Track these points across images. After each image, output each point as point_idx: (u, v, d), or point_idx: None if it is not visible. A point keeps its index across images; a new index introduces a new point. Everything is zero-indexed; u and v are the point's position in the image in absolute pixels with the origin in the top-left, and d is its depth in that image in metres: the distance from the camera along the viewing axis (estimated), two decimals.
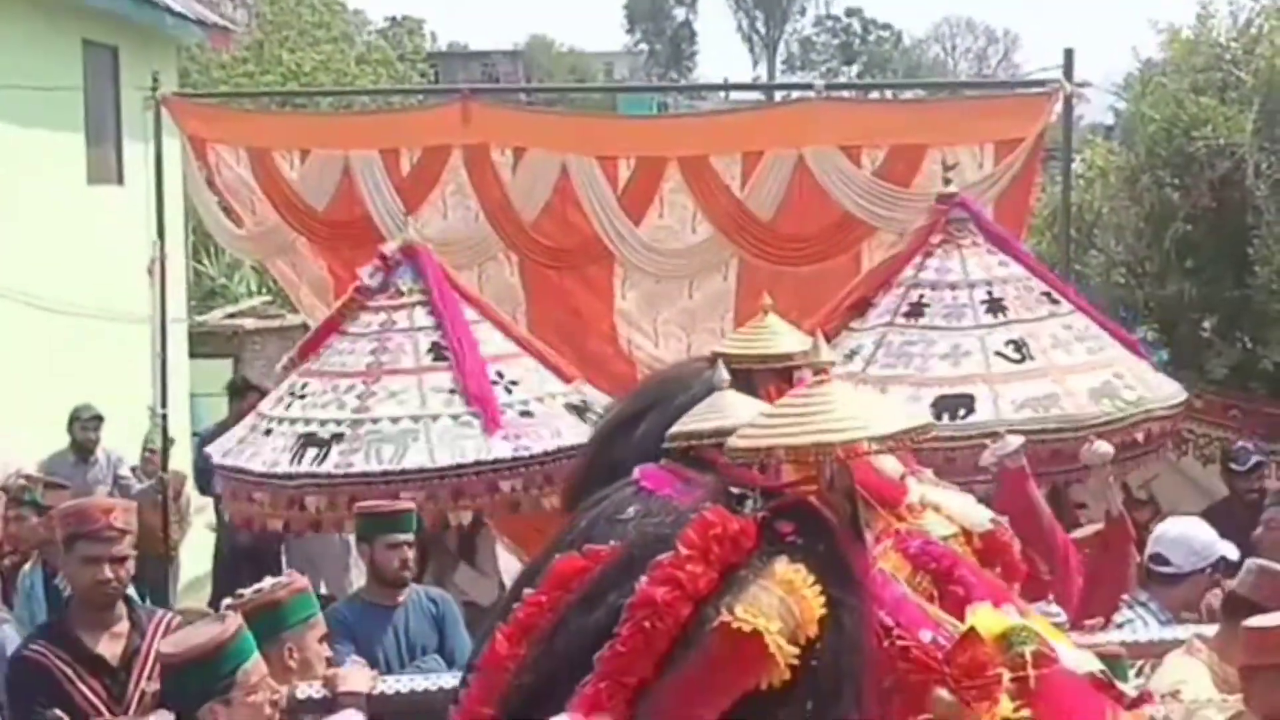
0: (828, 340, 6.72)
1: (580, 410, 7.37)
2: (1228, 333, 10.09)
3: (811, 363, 2.44)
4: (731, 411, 2.75)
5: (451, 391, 7.19)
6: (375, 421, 7.06)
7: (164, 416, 10.34)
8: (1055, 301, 7.41)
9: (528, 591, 2.38)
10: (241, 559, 10.25)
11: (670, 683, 2.12)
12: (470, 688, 2.33)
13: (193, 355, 14.88)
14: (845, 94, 13.19)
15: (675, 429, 2.77)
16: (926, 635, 2.28)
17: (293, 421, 7.18)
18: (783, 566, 2.16)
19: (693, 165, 9.31)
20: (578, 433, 6.92)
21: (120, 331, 12.20)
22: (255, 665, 4.02)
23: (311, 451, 6.98)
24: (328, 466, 6.95)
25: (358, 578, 7.43)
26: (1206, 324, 10.24)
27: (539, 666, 2.24)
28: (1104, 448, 6.32)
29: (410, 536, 6.29)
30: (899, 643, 2.24)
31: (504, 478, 7.03)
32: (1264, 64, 9.80)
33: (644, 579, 2.15)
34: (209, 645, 3.97)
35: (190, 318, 15.81)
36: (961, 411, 6.78)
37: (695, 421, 2.77)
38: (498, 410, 7.16)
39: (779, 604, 2.12)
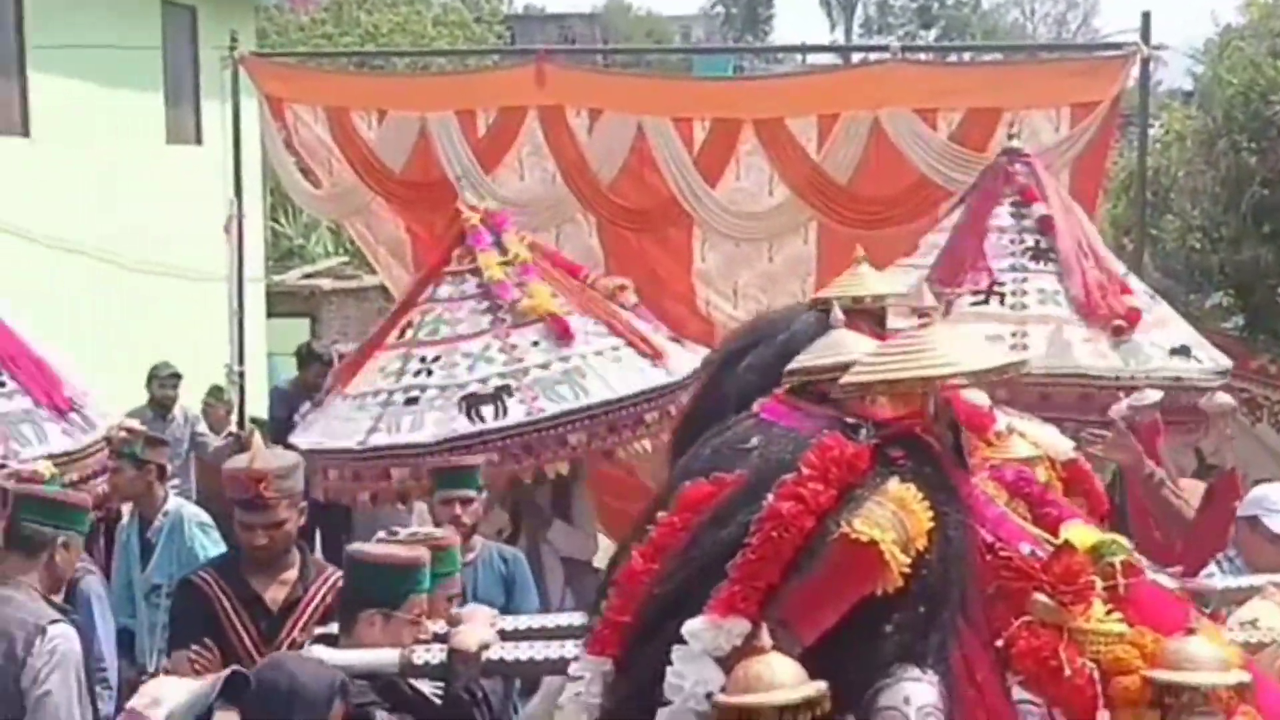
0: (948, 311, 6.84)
1: None
2: None
3: (902, 304, 2.78)
4: (847, 349, 2.87)
5: (586, 333, 7.40)
6: (543, 366, 7.20)
7: (241, 374, 10.46)
8: (1084, 255, 7.59)
9: (660, 515, 2.59)
10: (310, 516, 10.38)
11: (796, 588, 2.34)
12: (609, 600, 2.54)
13: (270, 315, 15.05)
14: (921, 56, 13.06)
15: (794, 364, 2.90)
16: (1025, 548, 2.52)
17: (442, 388, 7.23)
18: (895, 485, 2.40)
19: (768, 128, 9.28)
20: None
21: (198, 290, 12.34)
22: (422, 600, 4.18)
23: (486, 409, 7.06)
24: (516, 416, 7.04)
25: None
26: None
27: (675, 577, 2.46)
28: (1224, 399, 6.34)
29: (467, 493, 6.35)
30: (1001, 554, 2.49)
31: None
32: None
33: (770, 496, 2.38)
34: (403, 560, 4.19)
35: (267, 277, 15.97)
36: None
37: (813, 358, 2.89)
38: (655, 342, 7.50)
39: (892, 518, 2.35)
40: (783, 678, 2.27)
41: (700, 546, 2.46)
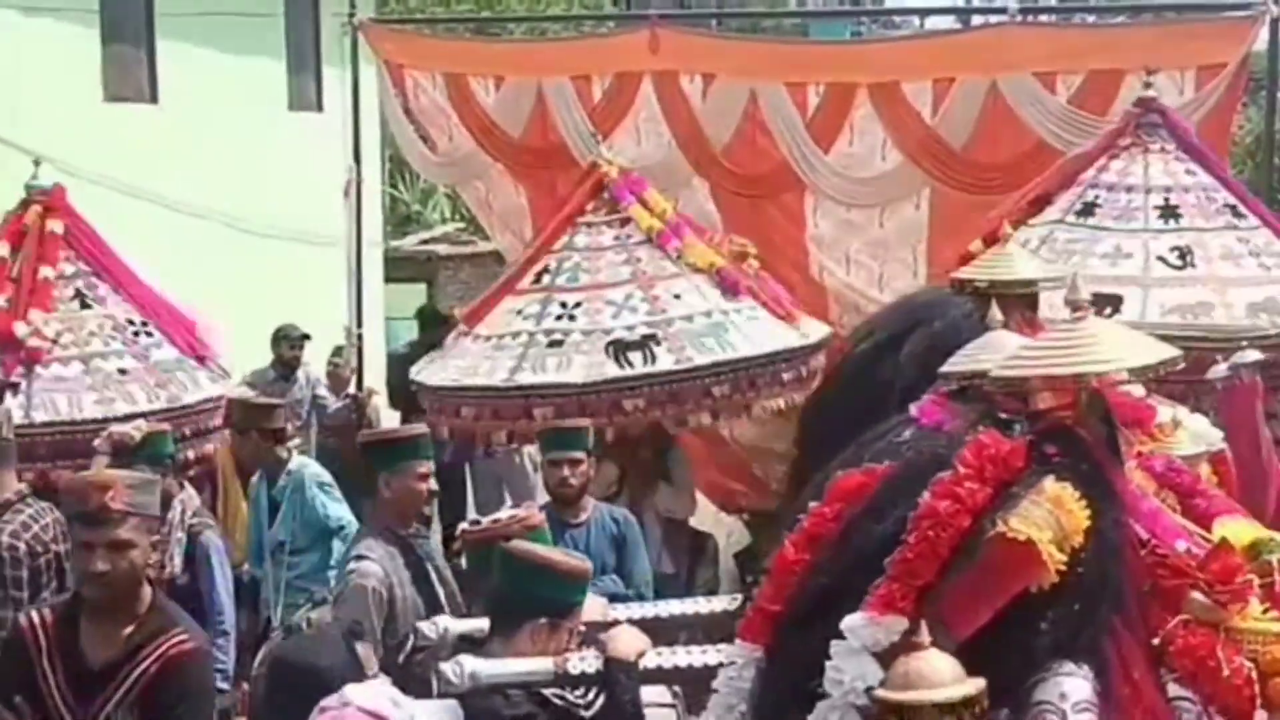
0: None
1: None
2: None
3: (1051, 287, 2.65)
4: (1006, 351, 2.85)
5: (721, 291, 7.53)
6: (686, 319, 7.35)
7: (360, 337, 10.62)
8: (1239, 215, 7.36)
9: (812, 505, 2.62)
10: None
11: (952, 585, 2.37)
12: (762, 588, 2.60)
13: (387, 280, 15.22)
14: (1042, 18, 12.85)
15: (951, 366, 2.92)
16: (1181, 545, 2.53)
17: (586, 333, 7.34)
18: (1050, 483, 2.42)
19: (883, 92, 9.18)
20: None
21: (318, 254, 12.52)
22: (579, 613, 3.95)
23: (635, 354, 7.16)
24: (665, 364, 7.15)
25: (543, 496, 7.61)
26: None
27: (830, 569, 2.50)
28: (1251, 354, 6.18)
29: (577, 454, 6.40)
30: (1157, 552, 2.51)
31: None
32: None
33: (927, 494, 2.41)
34: (577, 569, 3.97)
35: (385, 242, 16.15)
36: (1107, 310, 6.66)
37: (972, 360, 2.88)
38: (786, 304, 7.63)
39: (1048, 516, 2.37)
40: (942, 675, 2.30)
41: (855, 540, 2.50)
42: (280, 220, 12.85)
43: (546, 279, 7.69)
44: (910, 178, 9.18)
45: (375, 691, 3.56)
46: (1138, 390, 2.98)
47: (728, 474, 9.20)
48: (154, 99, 12.40)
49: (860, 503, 2.55)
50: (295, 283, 12.66)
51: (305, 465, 7.63)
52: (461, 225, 18.95)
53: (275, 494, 7.42)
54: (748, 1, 33.91)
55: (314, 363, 10.99)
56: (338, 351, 10.99)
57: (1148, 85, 7.62)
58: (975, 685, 2.30)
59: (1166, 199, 7.28)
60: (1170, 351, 2.63)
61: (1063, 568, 2.35)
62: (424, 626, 4.07)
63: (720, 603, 3.87)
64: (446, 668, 3.62)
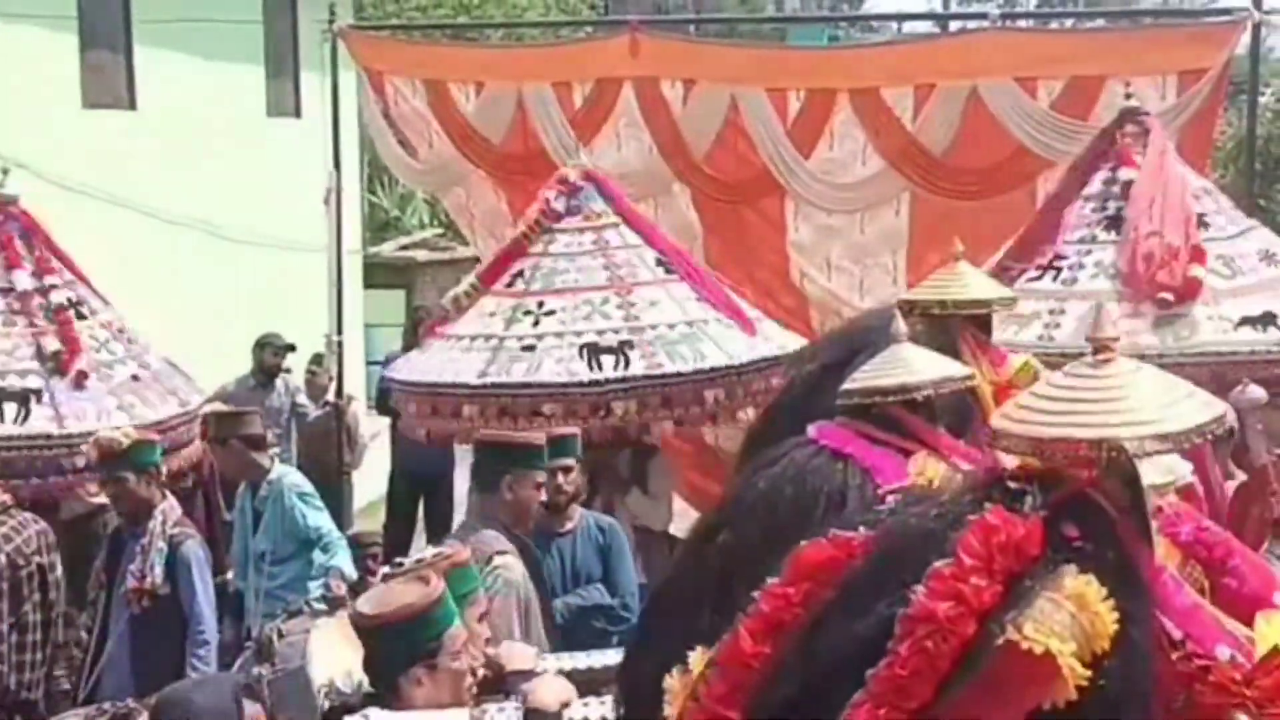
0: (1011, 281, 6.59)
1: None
2: None
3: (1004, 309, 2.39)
4: (913, 366, 2.68)
5: (699, 300, 7.46)
6: (654, 327, 7.26)
7: (340, 344, 10.57)
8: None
9: (772, 580, 2.17)
10: (414, 483, 10.51)
11: (951, 704, 1.94)
12: (710, 685, 2.14)
13: (367, 286, 15.18)
14: (1022, 23, 12.86)
15: (853, 385, 2.68)
16: (1224, 653, 2.10)
17: (558, 335, 7.27)
18: (1072, 579, 1.97)
19: (863, 97, 9.19)
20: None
21: (297, 261, 12.48)
22: (459, 629, 3.81)
23: (607, 359, 7.11)
24: (637, 370, 7.10)
25: None
26: None
27: (796, 675, 2.05)
28: (1256, 392, 6.15)
29: (569, 461, 6.38)
30: (1195, 661, 2.07)
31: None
32: None
33: (921, 591, 1.96)
34: (418, 605, 3.74)
35: (364, 249, 16.11)
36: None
37: (875, 377, 2.68)
38: (746, 314, 7.52)
39: (1070, 621, 1.94)
40: None
41: (828, 640, 2.04)
42: (259, 227, 12.80)
43: (520, 283, 7.62)
44: (891, 183, 9.18)
45: None
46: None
47: (710, 478, 9.18)
48: (132, 105, 12.32)
49: (830, 586, 2.08)
50: (274, 289, 12.62)
51: (285, 474, 7.59)
52: (440, 231, 18.92)
53: (258, 504, 7.39)
54: (725, 7, 33.97)
55: (296, 371, 10.94)
56: (316, 359, 10.94)
57: (1128, 96, 7.59)
58: None
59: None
60: (1219, 408, 2.17)
61: (1083, 682, 1.92)
62: (338, 679, 3.95)
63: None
64: None
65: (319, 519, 7.45)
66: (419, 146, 10.33)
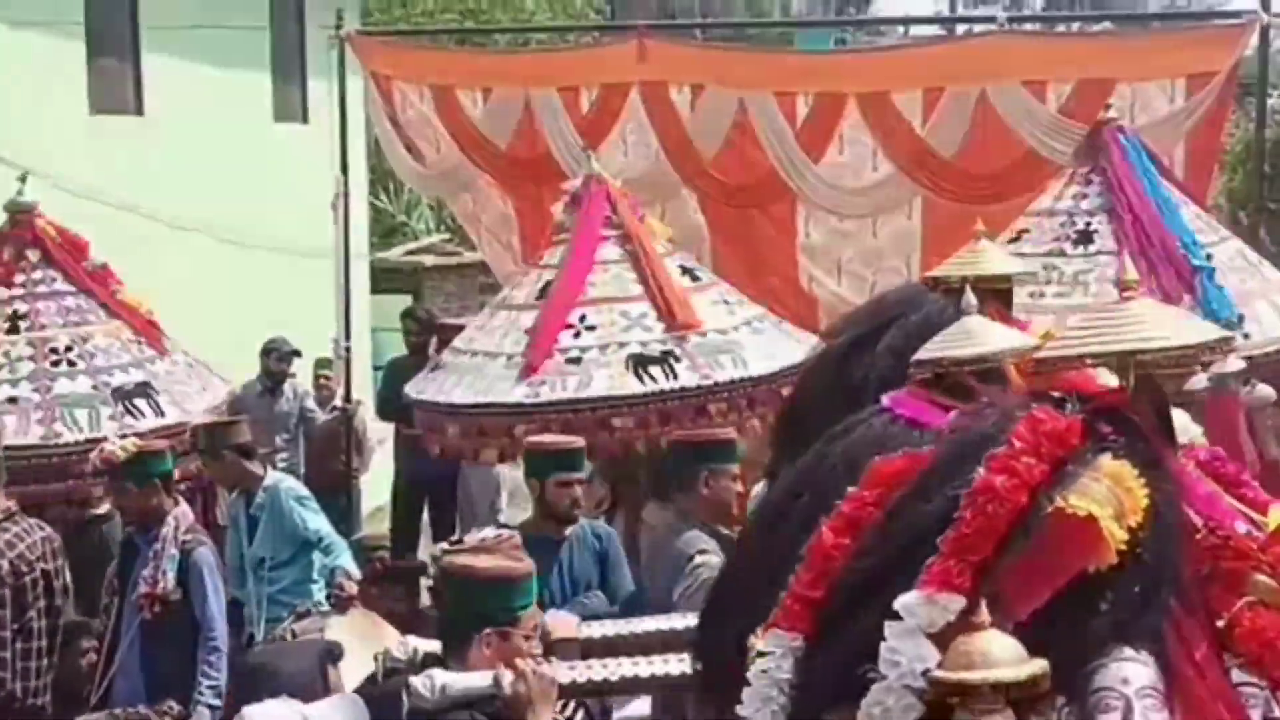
0: None
1: None
2: None
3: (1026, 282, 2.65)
4: (984, 337, 2.78)
5: (727, 303, 7.45)
6: (701, 335, 7.22)
7: (347, 349, 10.57)
8: (1214, 226, 7.52)
9: (851, 490, 2.47)
10: (420, 489, 10.50)
11: (1009, 564, 2.24)
12: (799, 575, 2.42)
13: (373, 291, 15.17)
14: (1029, 27, 12.85)
15: (926, 354, 2.80)
16: (1241, 528, 2.46)
17: (603, 348, 7.21)
18: (1108, 460, 2.31)
19: (872, 102, 9.18)
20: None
21: (304, 266, 12.47)
22: (534, 613, 3.91)
23: (656, 369, 7.08)
24: (689, 380, 7.06)
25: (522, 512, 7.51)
26: None
27: (877, 552, 2.35)
28: (1266, 391, 6.16)
29: (582, 474, 6.40)
30: (1217, 533, 2.43)
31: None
32: None
33: (981, 470, 2.28)
34: (518, 573, 3.85)
35: (371, 254, 16.11)
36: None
37: (949, 347, 2.79)
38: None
39: (1108, 493, 2.26)
40: (1003, 655, 2.19)
41: (903, 520, 2.36)
42: (266, 232, 12.78)
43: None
44: (901, 188, 9.18)
45: (274, 709, 3.59)
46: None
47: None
48: (140, 111, 12.33)
49: (903, 486, 2.40)
50: (281, 294, 12.59)
51: (281, 480, 7.60)
52: (447, 236, 18.90)
53: (254, 511, 7.38)
54: (731, 11, 33.96)
55: (300, 375, 10.94)
56: (324, 364, 10.94)
57: (1107, 106, 7.67)
58: (1039, 665, 2.18)
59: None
60: (1221, 331, 2.60)
61: (1122, 547, 2.26)
62: (393, 648, 4.00)
63: (695, 619, 3.80)
64: (417, 681, 3.63)
65: (318, 521, 7.45)
66: (426, 152, 10.33)
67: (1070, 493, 2.26)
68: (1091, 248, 7.24)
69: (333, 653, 3.98)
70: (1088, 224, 7.33)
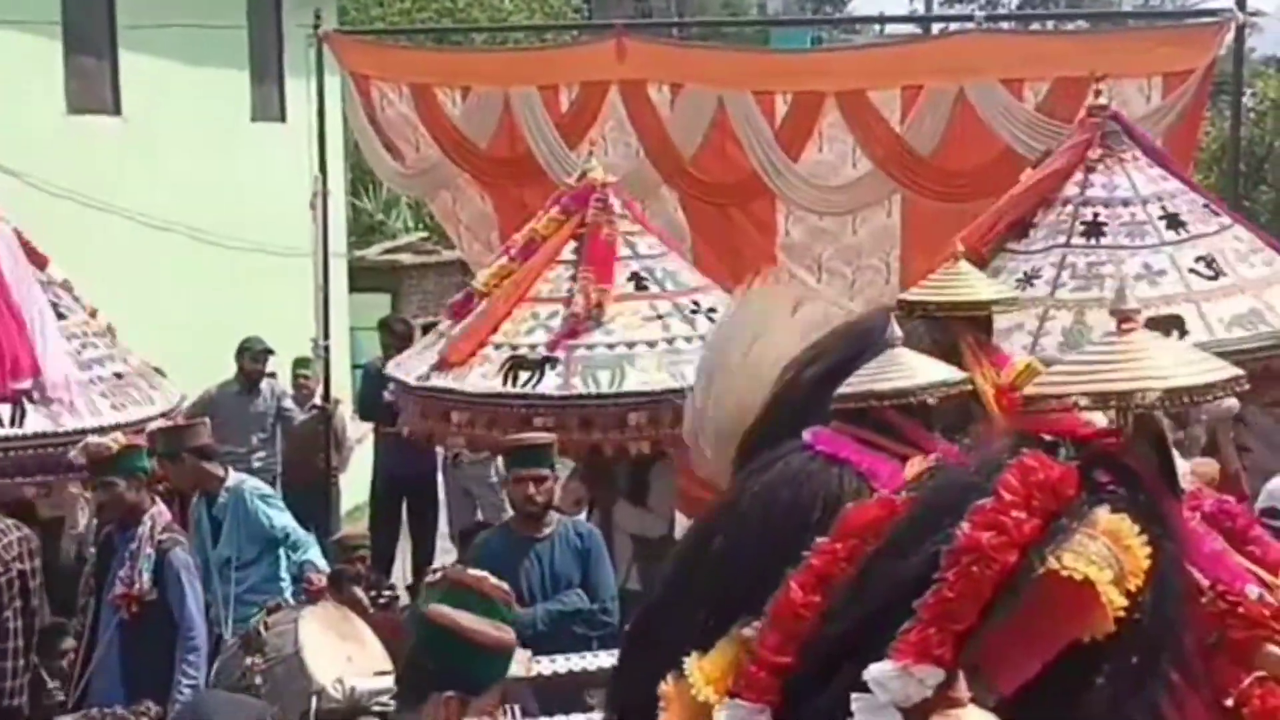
0: (983, 264, 6.49)
1: None
2: None
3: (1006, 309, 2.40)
4: (909, 370, 2.64)
5: (658, 318, 7.37)
6: (590, 348, 7.20)
7: (326, 348, 10.55)
8: (1217, 214, 7.30)
9: (822, 541, 2.25)
10: (398, 488, 10.49)
11: (995, 630, 2.03)
12: (764, 636, 2.21)
13: (352, 290, 15.15)
14: (1005, 26, 12.88)
15: (848, 389, 2.65)
16: (1252, 591, 2.22)
17: (497, 346, 7.28)
18: (1106, 515, 2.06)
19: (851, 100, 9.21)
20: None
21: (282, 265, 12.46)
22: (500, 690, 3.80)
23: (525, 374, 7.09)
24: (548, 388, 7.06)
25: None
26: None
27: (849, 614, 2.14)
28: (1230, 402, 6.13)
29: (542, 471, 6.39)
30: (1225, 598, 2.20)
31: None
32: None
33: (965, 524, 2.05)
34: (500, 641, 3.73)
35: (349, 253, 16.08)
36: (1174, 334, 6.49)
37: (872, 380, 2.64)
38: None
39: (1106, 552, 2.03)
40: None
41: (877, 579, 2.13)
42: (244, 231, 12.76)
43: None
44: (880, 185, 9.20)
45: None
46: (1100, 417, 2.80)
47: (701, 484, 9.15)
48: (117, 110, 12.29)
49: (878, 538, 2.18)
50: (260, 294, 12.58)
51: (243, 480, 7.57)
52: (425, 235, 18.88)
53: (216, 513, 7.34)
54: (708, 10, 34.00)
55: (281, 375, 10.92)
56: (303, 363, 10.92)
57: (1098, 93, 7.55)
58: None
59: (1164, 208, 7.11)
60: (1233, 370, 2.31)
61: (1120, 614, 2.01)
62: (329, 687, 3.91)
63: None
64: None
65: (283, 519, 7.43)
66: (405, 151, 10.32)
67: (1064, 552, 2.03)
68: (1104, 239, 7.03)
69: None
70: (1095, 214, 7.13)
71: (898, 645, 2.01)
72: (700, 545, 2.58)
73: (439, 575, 4.11)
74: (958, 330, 2.80)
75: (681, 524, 8.88)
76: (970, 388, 2.84)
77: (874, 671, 2.01)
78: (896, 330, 2.73)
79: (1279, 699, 2.15)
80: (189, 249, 12.32)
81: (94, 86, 12.17)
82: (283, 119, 14.07)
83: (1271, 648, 2.17)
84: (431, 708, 3.60)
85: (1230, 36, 8.81)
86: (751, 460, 2.95)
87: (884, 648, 2.03)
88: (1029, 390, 2.29)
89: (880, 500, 2.25)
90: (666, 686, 2.30)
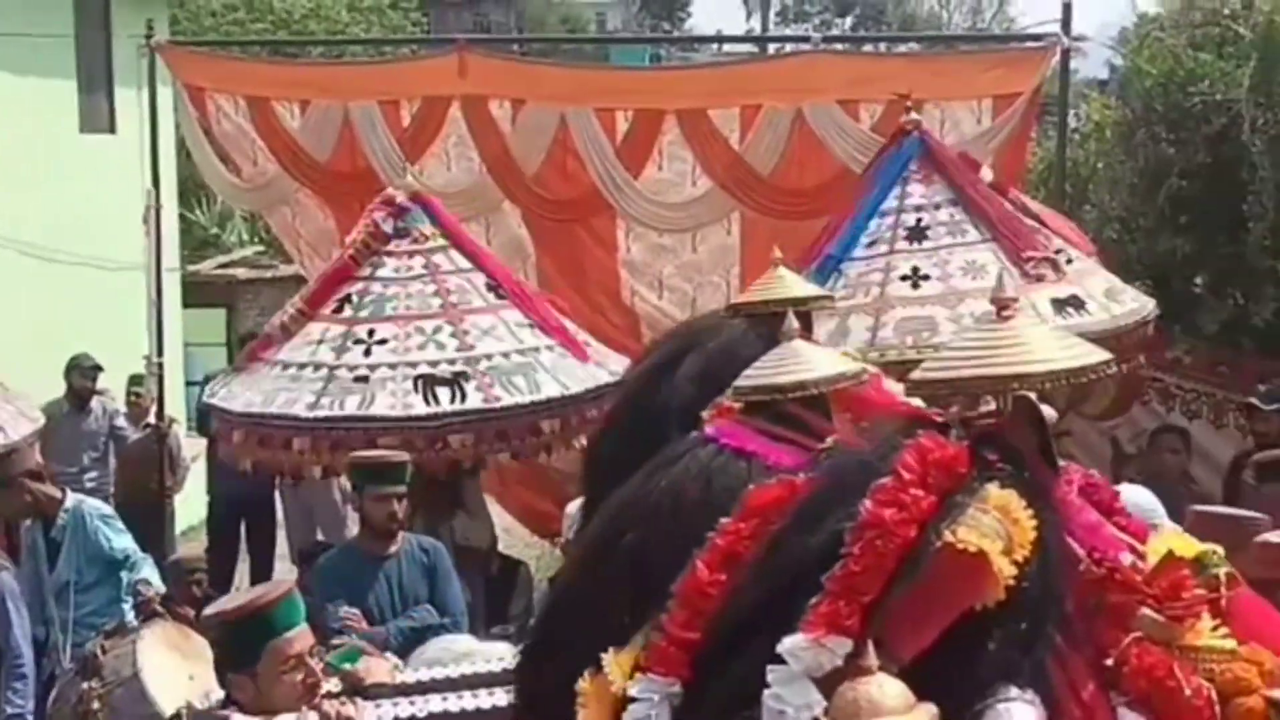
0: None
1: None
2: (1219, 289, 10.09)
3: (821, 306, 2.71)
4: (809, 363, 2.71)
5: (531, 325, 7.36)
6: (489, 357, 7.14)
7: (159, 365, 10.34)
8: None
9: (722, 539, 2.34)
10: (235, 507, 10.31)
11: (895, 602, 2.15)
12: (673, 614, 2.31)
13: (186, 305, 14.88)
14: (838, 46, 13.12)
15: (746, 381, 2.71)
16: (1126, 559, 2.37)
17: (392, 366, 7.12)
18: (995, 491, 2.21)
19: (691, 118, 9.31)
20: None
21: (114, 280, 12.19)
22: (290, 640, 3.79)
23: (443, 391, 6.98)
24: (473, 402, 6.97)
25: (355, 526, 7.48)
26: (1199, 280, 10.26)
27: (756, 589, 2.24)
28: (1049, 412, 6.33)
29: (401, 489, 6.37)
30: (1103, 565, 2.33)
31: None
32: (1262, 19, 9.79)
33: (868, 502, 2.17)
34: (235, 611, 3.78)
35: (183, 267, 15.79)
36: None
37: (772, 373, 2.70)
38: (578, 340, 7.43)
39: (997, 526, 2.17)
40: (892, 700, 2.09)
41: (784, 556, 2.24)
42: (73, 245, 12.47)
43: (349, 309, 7.43)
44: (720, 203, 9.30)
45: None
46: (896, 386, 2.88)
47: (543, 498, 9.17)
48: None
49: (781, 517, 2.29)
50: (91, 310, 12.30)
51: (82, 501, 7.39)
52: (261, 249, 18.63)
53: (54, 535, 7.15)
54: (547, 25, 34.08)
55: (113, 392, 10.68)
56: (137, 380, 10.69)
57: (908, 109, 7.75)
58: (928, 711, 2.10)
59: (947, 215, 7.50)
60: (1103, 355, 2.52)
61: (1010, 582, 2.16)
62: (195, 700, 3.94)
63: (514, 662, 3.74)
64: None
65: (124, 541, 7.27)
66: (243, 165, 10.15)
67: (959, 526, 2.17)
68: (927, 243, 7.32)
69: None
70: (919, 220, 7.40)
71: (809, 618, 2.11)
72: (609, 541, 2.62)
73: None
74: (780, 325, 2.90)
75: (516, 532, 8.92)
76: (865, 378, 2.93)
77: (787, 644, 2.10)
78: (794, 323, 2.82)
79: (1154, 657, 2.27)
80: (15, 264, 12.00)
81: None
82: (112, 130, 13.79)
83: (1147, 610, 2.30)
84: (233, 694, 3.76)
85: (1056, 60, 9.08)
86: (598, 460, 3.03)
87: (792, 621, 2.13)
88: (915, 375, 2.43)
89: (781, 481, 2.35)
90: (584, 683, 2.38)
